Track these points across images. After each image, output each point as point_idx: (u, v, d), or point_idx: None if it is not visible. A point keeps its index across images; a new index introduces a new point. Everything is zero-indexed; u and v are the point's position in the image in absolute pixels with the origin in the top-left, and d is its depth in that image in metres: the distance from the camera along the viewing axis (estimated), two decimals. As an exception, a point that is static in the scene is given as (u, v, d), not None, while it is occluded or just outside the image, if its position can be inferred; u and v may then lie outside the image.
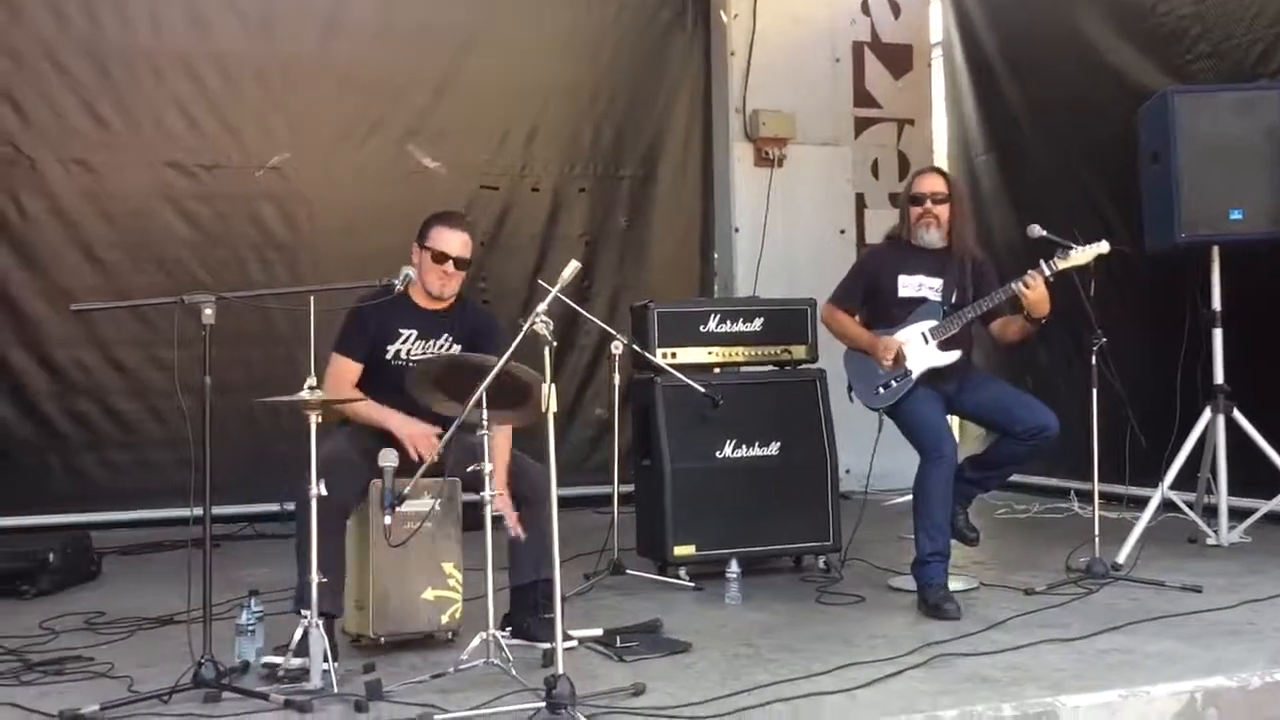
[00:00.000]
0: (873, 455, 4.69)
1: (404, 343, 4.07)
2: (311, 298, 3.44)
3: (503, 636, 3.48)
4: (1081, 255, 4.45)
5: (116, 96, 7.10)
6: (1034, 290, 4.37)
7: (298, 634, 3.46)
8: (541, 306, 3.15)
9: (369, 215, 7.42)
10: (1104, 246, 4.47)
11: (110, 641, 4.11)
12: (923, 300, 4.62)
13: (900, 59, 8.54)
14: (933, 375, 4.57)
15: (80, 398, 7.06)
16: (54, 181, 6.99)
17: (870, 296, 4.77)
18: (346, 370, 4.02)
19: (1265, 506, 5.35)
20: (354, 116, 7.53)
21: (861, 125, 8.39)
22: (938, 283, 4.62)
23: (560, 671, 3.02)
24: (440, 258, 4.05)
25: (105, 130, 7.07)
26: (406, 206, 7.42)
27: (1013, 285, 4.42)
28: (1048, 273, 4.41)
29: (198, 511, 3.42)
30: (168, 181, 7.19)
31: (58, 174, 6.99)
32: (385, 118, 7.59)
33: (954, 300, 4.59)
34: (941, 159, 8.58)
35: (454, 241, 4.09)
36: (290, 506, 4.00)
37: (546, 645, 3.61)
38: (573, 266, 3.22)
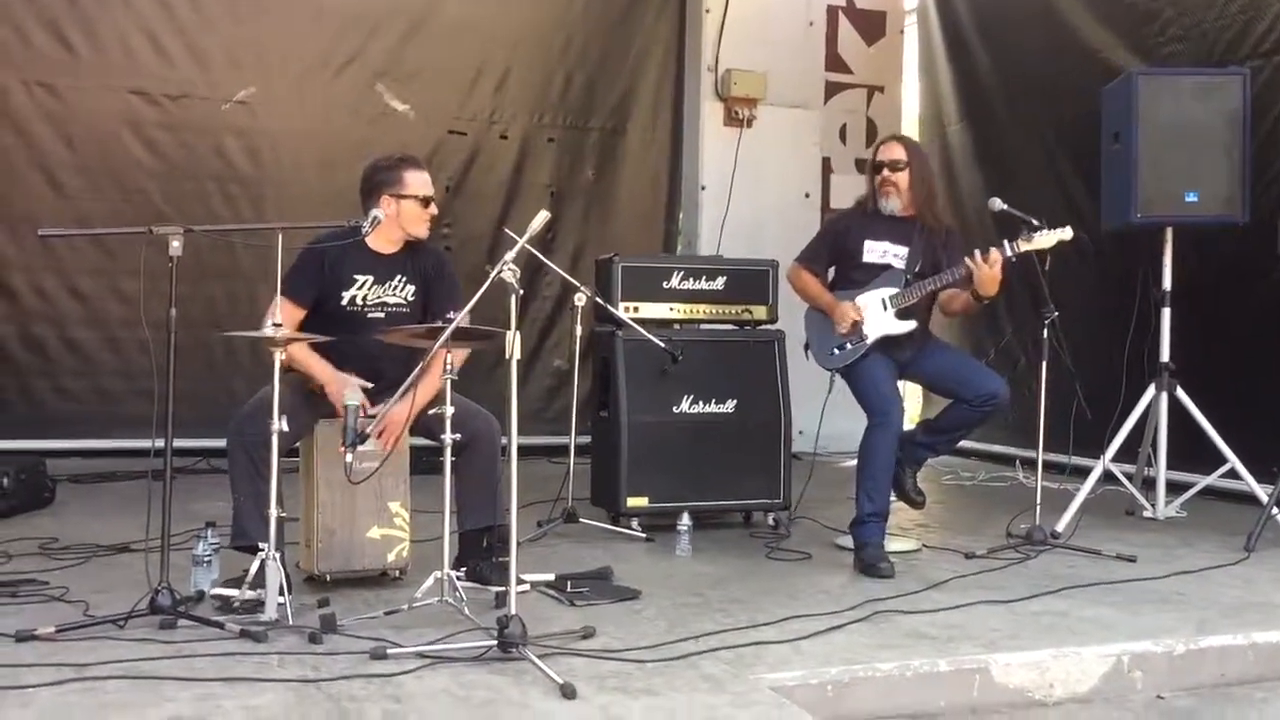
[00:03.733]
0: (821, 416, 4.80)
1: (360, 289, 4.05)
2: (280, 235, 3.43)
3: (456, 577, 3.53)
4: (1044, 239, 4.51)
5: (83, 20, 7.00)
6: (990, 268, 4.42)
7: (254, 566, 3.51)
8: (510, 255, 3.19)
9: (334, 153, 7.38)
10: (1067, 233, 4.54)
11: (64, 567, 4.14)
12: (886, 267, 4.69)
13: (873, 25, 8.57)
14: (889, 342, 4.65)
15: (38, 324, 7.02)
16: (17, 104, 6.91)
17: (836, 259, 4.83)
18: (286, 315, 3.81)
19: (1202, 482, 5.52)
20: (325, 52, 7.48)
21: (832, 90, 8.42)
22: (903, 250, 4.69)
23: (513, 612, 3.09)
24: (425, 202, 4.08)
25: (71, 54, 6.97)
26: (373, 146, 7.33)
27: (967, 261, 4.48)
28: (1009, 253, 4.49)
29: (158, 443, 3.43)
30: (133, 109, 7.13)
31: (20, 97, 6.91)
32: (356, 55, 7.55)
33: (918, 269, 4.66)
34: (911, 127, 8.64)
35: (429, 183, 4.12)
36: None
37: (498, 588, 3.69)
38: (542, 216, 3.25)
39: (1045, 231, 4.52)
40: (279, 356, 3.46)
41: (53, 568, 4.11)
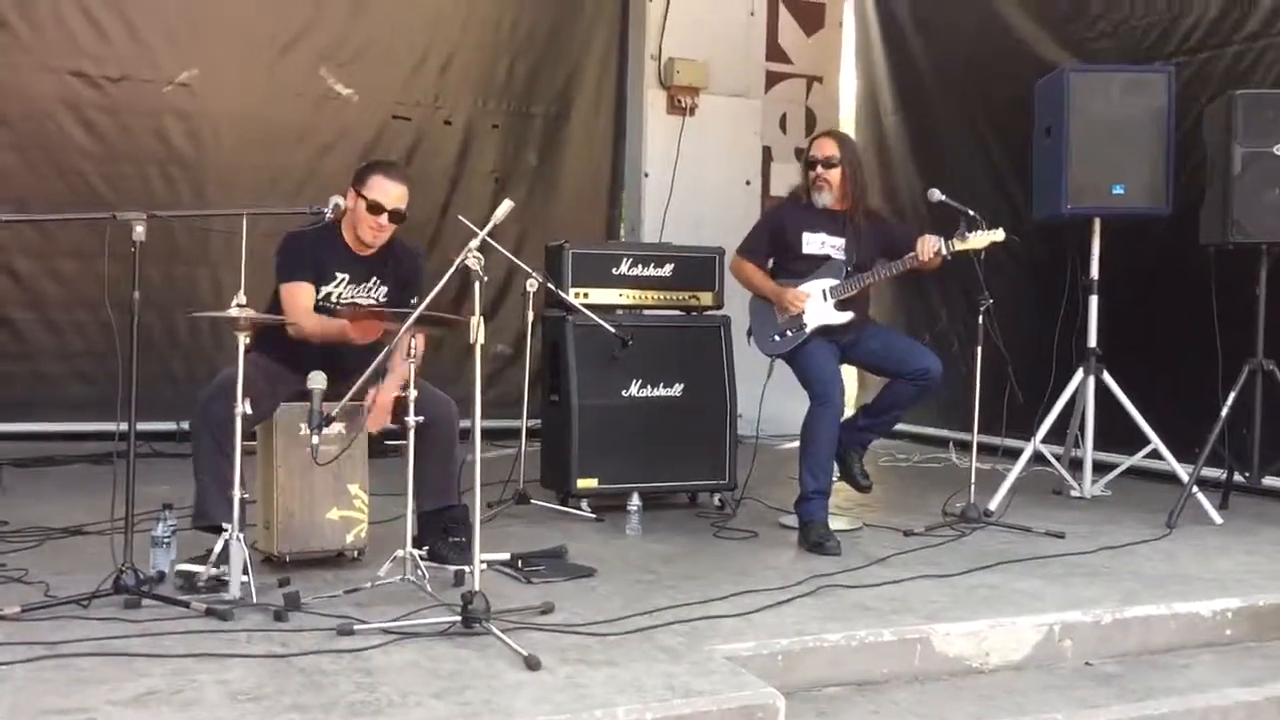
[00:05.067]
0: (761, 399, 4.95)
1: (336, 285, 4.09)
2: (244, 220, 3.48)
3: (420, 556, 3.61)
4: (978, 240, 4.74)
5: (20, -1, 6.91)
6: (930, 259, 4.71)
7: (218, 545, 3.56)
8: (474, 243, 3.27)
9: (277, 137, 7.39)
10: (999, 235, 4.77)
11: (18, 549, 4.14)
12: (826, 258, 4.86)
13: (813, 16, 8.73)
14: (829, 327, 4.82)
15: (-30, 305, 6.94)
16: (-49, 83, 6.81)
17: (775, 251, 4.98)
18: (302, 294, 3.98)
19: (1126, 462, 5.77)
20: (268, 34, 7.43)
21: (772, 79, 8.58)
22: (840, 242, 4.87)
23: (476, 588, 3.19)
24: (375, 208, 4.02)
25: (7, 33, 6.86)
26: (316, 131, 7.46)
27: (906, 260, 4.75)
28: (945, 252, 4.70)
29: (118, 425, 3.45)
30: (71, 91, 7.03)
31: (-46, 75, 6.81)
32: (300, 37, 7.51)
33: (855, 260, 4.84)
34: (849, 117, 8.83)
35: (392, 193, 4.05)
36: (186, 426, 4.03)
37: (457, 566, 3.79)
38: (506, 206, 3.33)
39: (980, 232, 4.74)
40: (243, 340, 3.51)
41: (6, 550, 4.11)
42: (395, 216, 4.08)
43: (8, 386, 7.03)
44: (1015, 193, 6.85)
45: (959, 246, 4.72)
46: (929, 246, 4.68)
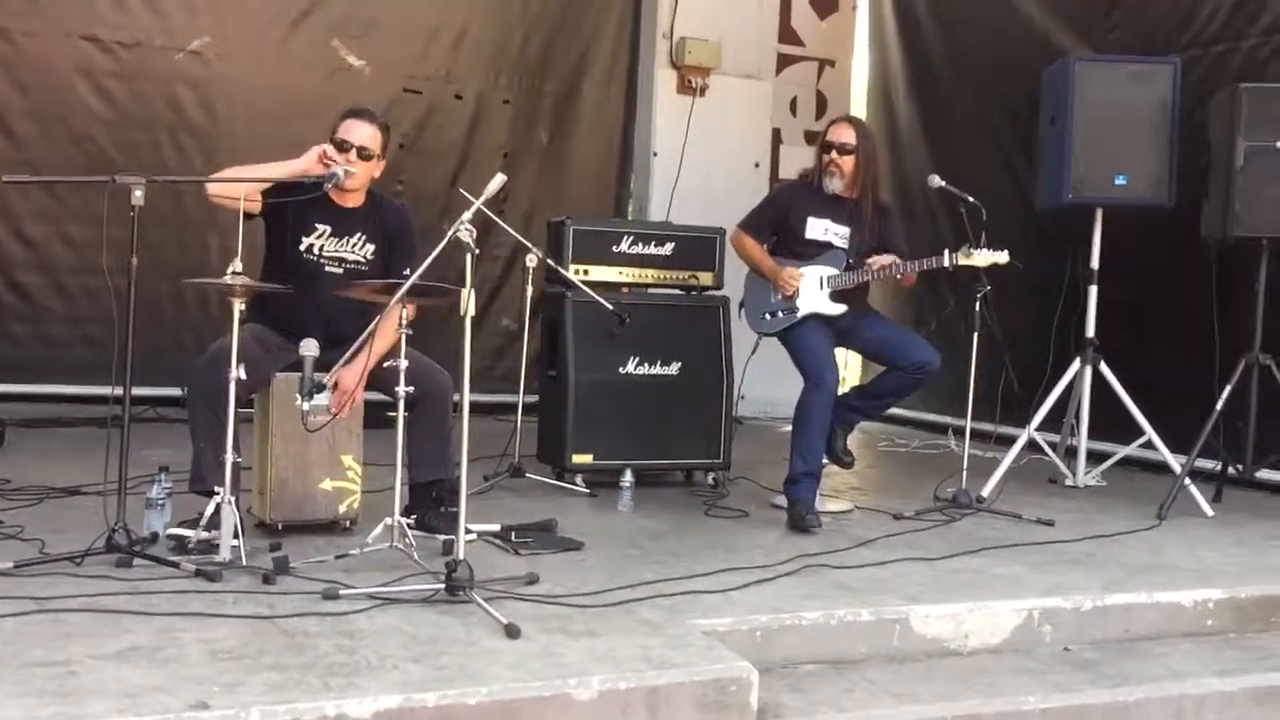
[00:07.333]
0: (742, 375, 5.03)
1: (318, 237, 4.13)
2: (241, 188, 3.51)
3: (407, 524, 3.66)
4: (981, 258, 4.74)
5: (37, -37, 6.95)
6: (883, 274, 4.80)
7: (209, 509, 3.62)
8: (466, 215, 3.30)
9: (288, 107, 7.40)
10: (1003, 257, 4.76)
11: (18, 507, 4.21)
12: (828, 245, 4.88)
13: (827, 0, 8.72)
14: (821, 315, 4.85)
15: (-18, 268, 7.02)
16: (-32, 48, 6.87)
17: (778, 230, 5.00)
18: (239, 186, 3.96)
19: (1121, 452, 5.78)
20: (282, 5, 7.47)
21: (784, 62, 8.58)
22: (845, 230, 4.89)
23: (461, 557, 3.24)
24: (342, 145, 4.08)
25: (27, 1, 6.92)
26: (327, 101, 7.38)
27: (905, 266, 4.76)
28: (948, 263, 4.73)
29: (117, 390, 3.51)
30: (85, 56, 7.09)
31: (-29, 40, 6.87)
32: (313, 7, 7.55)
33: (858, 251, 4.85)
34: (860, 101, 8.82)
35: (358, 131, 4.11)
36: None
37: (446, 536, 3.84)
38: (498, 180, 3.36)
39: (985, 251, 4.74)
40: (238, 306, 3.55)
41: (6, 508, 4.18)
42: (362, 153, 4.11)
43: (18, 348, 7.12)
44: (1025, 180, 6.82)
45: (962, 261, 4.74)
46: (879, 262, 4.73)
